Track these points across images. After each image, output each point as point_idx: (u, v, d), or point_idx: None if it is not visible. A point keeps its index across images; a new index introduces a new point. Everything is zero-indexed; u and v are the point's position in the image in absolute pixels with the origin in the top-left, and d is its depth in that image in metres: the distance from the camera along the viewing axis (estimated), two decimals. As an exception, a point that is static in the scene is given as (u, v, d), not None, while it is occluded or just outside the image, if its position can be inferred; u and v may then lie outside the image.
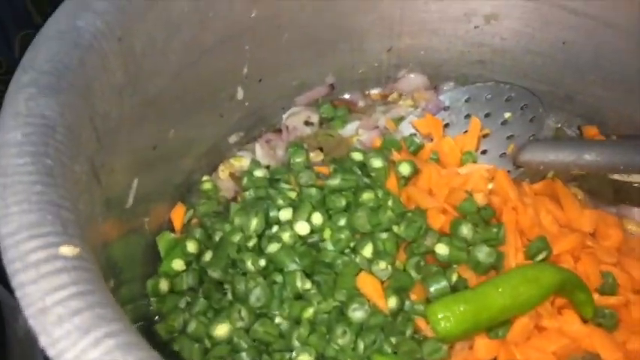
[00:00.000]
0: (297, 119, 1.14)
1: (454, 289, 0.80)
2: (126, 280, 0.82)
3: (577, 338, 0.79)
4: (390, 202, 0.87)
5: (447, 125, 1.09)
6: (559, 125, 1.14)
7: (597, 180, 1.02)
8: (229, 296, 0.85)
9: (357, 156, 0.98)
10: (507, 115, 1.05)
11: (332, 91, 1.17)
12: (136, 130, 0.80)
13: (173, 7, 0.80)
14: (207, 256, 0.89)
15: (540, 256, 0.83)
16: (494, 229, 0.83)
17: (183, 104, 0.91)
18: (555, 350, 0.78)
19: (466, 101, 1.11)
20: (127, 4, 0.75)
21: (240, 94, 1.03)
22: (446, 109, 1.11)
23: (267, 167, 1.05)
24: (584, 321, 0.81)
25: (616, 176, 1.04)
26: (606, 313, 0.81)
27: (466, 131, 1.05)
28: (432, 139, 1.07)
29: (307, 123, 1.14)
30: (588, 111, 1.10)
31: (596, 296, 0.82)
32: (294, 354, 0.77)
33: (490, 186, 0.93)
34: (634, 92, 1.01)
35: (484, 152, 1.04)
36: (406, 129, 1.10)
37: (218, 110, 1.02)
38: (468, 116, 1.08)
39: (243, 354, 0.79)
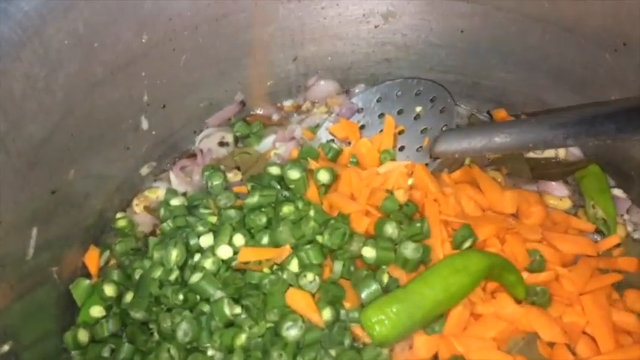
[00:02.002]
0: (211, 141, 1.11)
1: (387, 290, 0.79)
2: (38, 337, 0.76)
3: (514, 320, 0.79)
4: (311, 212, 0.85)
5: (362, 127, 1.08)
6: (471, 112, 1.15)
7: (514, 160, 1.04)
8: (156, 336, 0.80)
9: (274, 170, 0.95)
10: (419, 109, 1.05)
11: (243, 108, 1.14)
12: (28, 177, 0.75)
13: (51, 43, 0.76)
14: (128, 297, 0.84)
15: (466, 244, 0.83)
16: (418, 224, 0.82)
17: (81, 142, 0.86)
18: (495, 335, 0.78)
19: (378, 101, 1.10)
20: (-6, 46, 0.70)
21: (144, 123, 0.99)
22: (360, 111, 1.11)
23: (185, 194, 1.01)
24: (518, 302, 0.80)
25: (531, 154, 1.07)
26: (538, 291, 0.81)
27: (382, 130, 1.05)
28: (350, 143, 1.06)
29: (222, 144, 1.10)
30: (495, 95, 1.12)
31: (525, 275, 0.82)
32: (230, 386, 0.73)
33: (410, 181, 0.92)
34: (533, 71, 1.03)
35: (401, 149, 1.03)
36: (324, 136, 1.08)
37: (122, 143, 0.97)
38: (381, 115, 1.08)
39: (178, 395, 0.75)
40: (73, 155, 0.85)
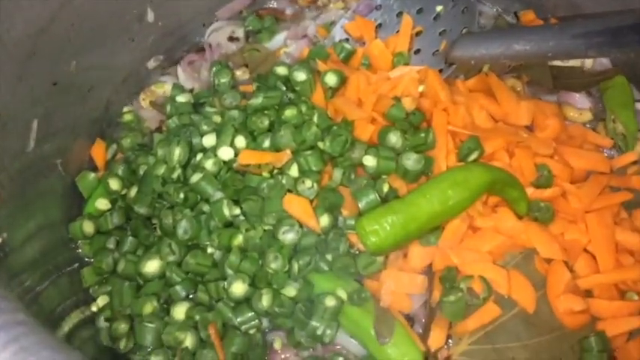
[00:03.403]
0: (221, 35, 1.07)
1: (386, 199, 0.78)
2: (44, 225, 0.78)
3: (513, 235, 0.78)
4: (315, 117, 0.83)
5: (379, 26, 1.02)
6: (497, 13, 1.08)
7: (536, 68, 0.98)
8: (158, 231, 0.82)
9: (281, 70, 0.92)
10: (439, 8, 0.99)
11: (255, 0, 1.09)
12: (26, 68, 0.73)
13: None
14: (133, 191, 0.85)
15: (472, 157, 0.80)
16: (423, 135, 0.80)
17: (82, 32, 0.83)
18: (491, 249, 0.77)
19: (398, -3, 1.03)
20: None
21: (150, 14, 0.95)
22: (378, 8, 1.04)
23: (192, 91, 0.99)
24: (520, 217, 0.79)
25: (556, 62, 1.00)
26: (542, 207, 0.79)
27: (398, 31, 0.99)
28: (364, 43, 1.01)
29: (232, 38, 1.06)
30: (525, -6, 1.04)
31: (531, 190, 0.80)
32: (226, 283, 0.75)
33: (421, 88, 0.88)
34: (568, -29, 0.95)
35: (417, 52, 0.98)
36: (338, 34, 1.03)
37: (127, 34, 0.94)
38: (400, 14, 1.01)
39: (178, 287, 0.78)
40: (74, 46, 0.83)
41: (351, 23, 1.02)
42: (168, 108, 0.93)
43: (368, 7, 1.05)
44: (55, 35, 0.78)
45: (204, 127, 0.87)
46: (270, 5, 1.11)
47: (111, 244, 0.83)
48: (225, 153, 0.82)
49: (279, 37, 1.06)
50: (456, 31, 0.96)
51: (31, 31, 0.74)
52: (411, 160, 0.78)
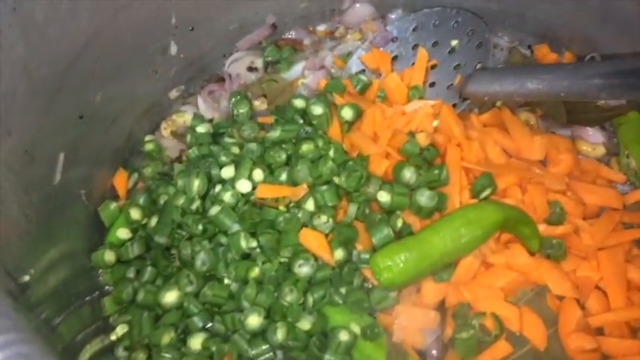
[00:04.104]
0: (240, 65, 1.09)
1: (399, 234, 0.79)
2: (68, 255, 0.81)
3: (525, 272, 0.79)
4: (331, 152, 0.85)
5: (395, 58, 1.04)
6: (512, 45, 1.09)
7: (550, 102, 0.99)
8: (177, 262, 0.84)
9: (299, 103, 0.94)
10: (454, 42, 1.01)
11: (274, 31, 1.11)
12: (53, 103, 0.76)
13: (75, -35, 0.74)
14: (153, 221, 0.87)
15: (485, 193, 0.82)
16: (437, 171, 0.81)
17: (107, 67, 0.86)
18: (503, 285, 0.78)
19: (414, 30, 1.05)
20: (17, -32, 0.69)
21: (172, 46, 0.98)
22: (394, 40, 1.06)
23: (211, 121, 1.01)
24: (532, 254, 0.80)
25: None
26: (554, 244, 0.80)
27: (414, 63, 1.01)
28: (381, 75, 1.03)
29: (251, 69, 1.09)
30: (540, 28, 1.05)
31: (543, 227, 0.81)
32: (242, 316, 0.77)
33: (435, 123, 0.90)
34: (581, 6, 0.96)
35: (432, 85, 1.00)
36: (355, 65, 1.06)
37: (150, 67, 0.96)
38: (416, 47, 1.03)
39: (195, 318, 0.79)
40: (99, 80, 0.85)
41: (367, 55, 1.05)
42: (189, 138, 0.96)
43: (384, 39, 1.07)
44: (81, 70, 0.81)
45: (223, 159, 0.89)
46: (289, 36, 1.14)
47: (131, 274, 0.85)
48: (244, 186, 0.84)
49: (297, 68, 1.08)
50: (470, 65, 0.97)
51: (58, 68, 0.77)
52: (424, 197, 0.79)
